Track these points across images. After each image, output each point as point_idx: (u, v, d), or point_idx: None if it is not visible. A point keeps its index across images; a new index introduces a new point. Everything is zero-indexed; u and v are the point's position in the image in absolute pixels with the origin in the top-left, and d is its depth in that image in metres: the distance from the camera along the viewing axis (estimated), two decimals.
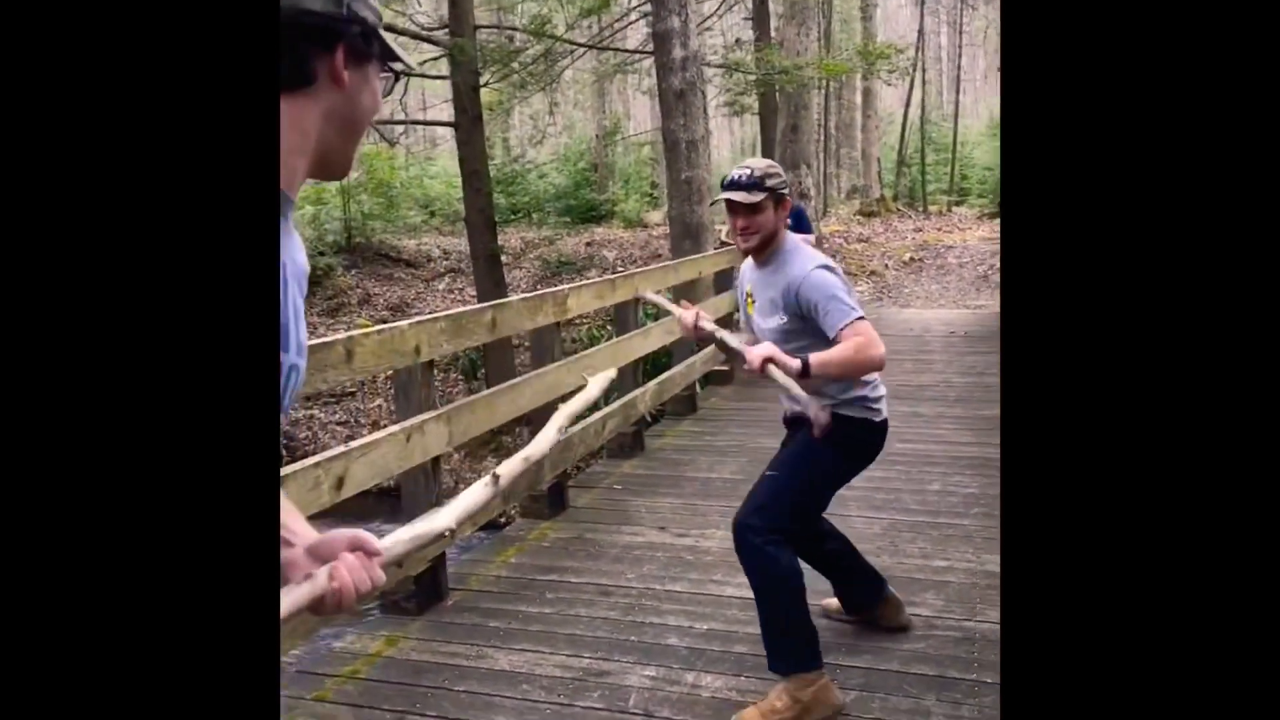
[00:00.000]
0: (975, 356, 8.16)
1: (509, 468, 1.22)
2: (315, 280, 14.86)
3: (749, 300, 2.72)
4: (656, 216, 18.79)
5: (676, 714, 2.61)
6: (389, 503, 6.74)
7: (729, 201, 2.56)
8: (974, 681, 2.71)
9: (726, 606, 3.29)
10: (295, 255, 1.02)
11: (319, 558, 1.04)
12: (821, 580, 2.98)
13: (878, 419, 2.65)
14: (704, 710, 2.62)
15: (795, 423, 2.77)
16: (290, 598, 0.97)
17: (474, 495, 1.15)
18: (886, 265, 14.41)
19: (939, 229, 17.63)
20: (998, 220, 18.26)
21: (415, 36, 9.89)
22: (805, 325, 2.51)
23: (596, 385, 1.44)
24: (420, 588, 3.28)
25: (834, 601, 3.11)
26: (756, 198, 2.54)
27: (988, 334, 9.35)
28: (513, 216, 17.64)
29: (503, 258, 11.56)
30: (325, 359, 2.70)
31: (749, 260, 2.71)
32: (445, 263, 16.76)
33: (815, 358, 2.36)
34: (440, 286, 15.84)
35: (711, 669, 2.84)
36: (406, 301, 14.81)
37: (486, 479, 1.16)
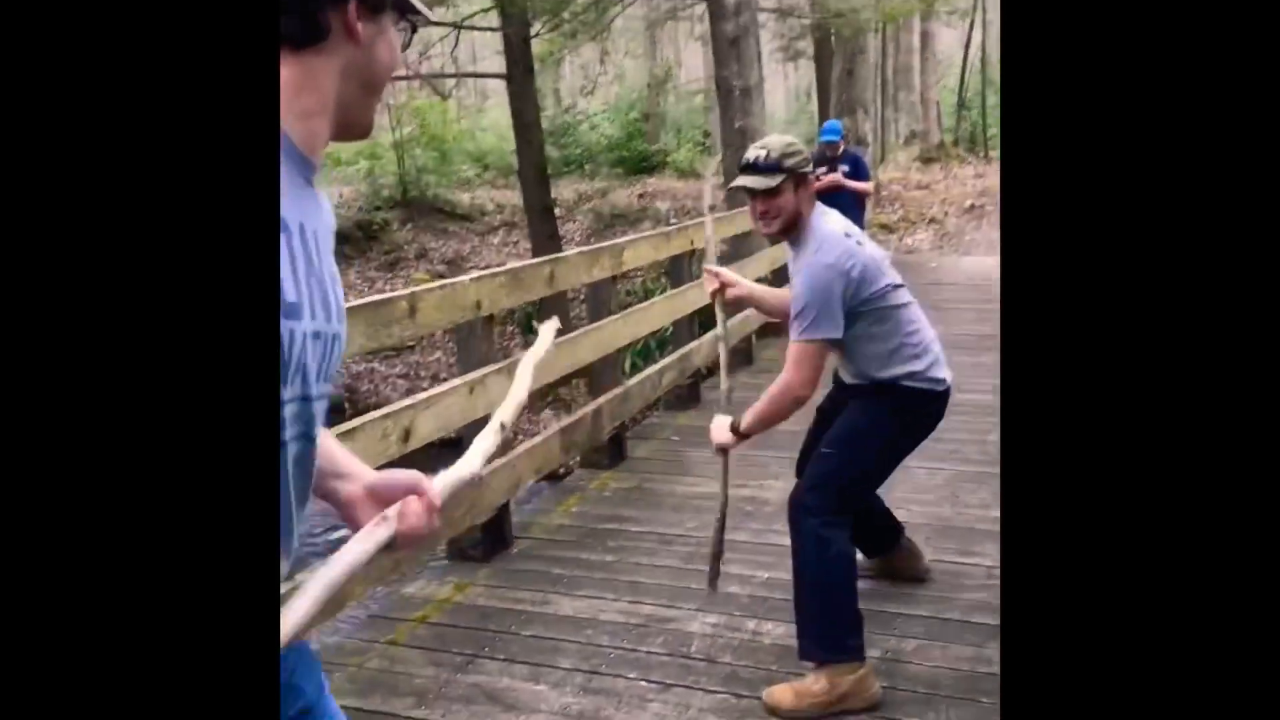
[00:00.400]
0: None
1: (507, 414, 1.28)
2: (371, 235, 15.06)
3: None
4: (711, 165, 18.59)
5: (738, 660, 2.66)
6: (451, 454, 6.89)
7: (746, 188, 2.43)
8: None
9: (787, 556, 3.29)
10: (325, 219, 1.01)
11: (378, 498, 1.07)
12: None
13: (940, 388, 2.54)
14: (765, 657, 2.67)
15: (849, 388, 2.66)
16: (372, 539, 1.00)
17: (485, 441, 1.20)
18: (947, 213, 14.12)
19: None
20: None
21: None
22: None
23: (546, 333, 1.45)
24: (487, 536, 3.37)
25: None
26: (774, 181, 2.39)
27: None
28: (565, 169, 17.59)
29: (556, 210, 11.57)
30: (390, 314, 2.75)
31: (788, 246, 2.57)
32: (500, 216, 16.83)
33: (747, 418, 2.54)
34: (495, 240, 15.93)
35: (773, 616, 2.88)
36: (462, 255, 14.94)
37: (493, 426, 1.23)
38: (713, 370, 6.19)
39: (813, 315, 2.37)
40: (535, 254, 10.34)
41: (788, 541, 3.39)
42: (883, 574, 3.07)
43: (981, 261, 11.09)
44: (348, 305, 2.31)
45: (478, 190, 18.42)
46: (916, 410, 2.54)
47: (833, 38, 12.69)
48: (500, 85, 21.01)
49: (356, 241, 14.67)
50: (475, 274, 3.26)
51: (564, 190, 16.54)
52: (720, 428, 2.59)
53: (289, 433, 0.95)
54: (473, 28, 10.96)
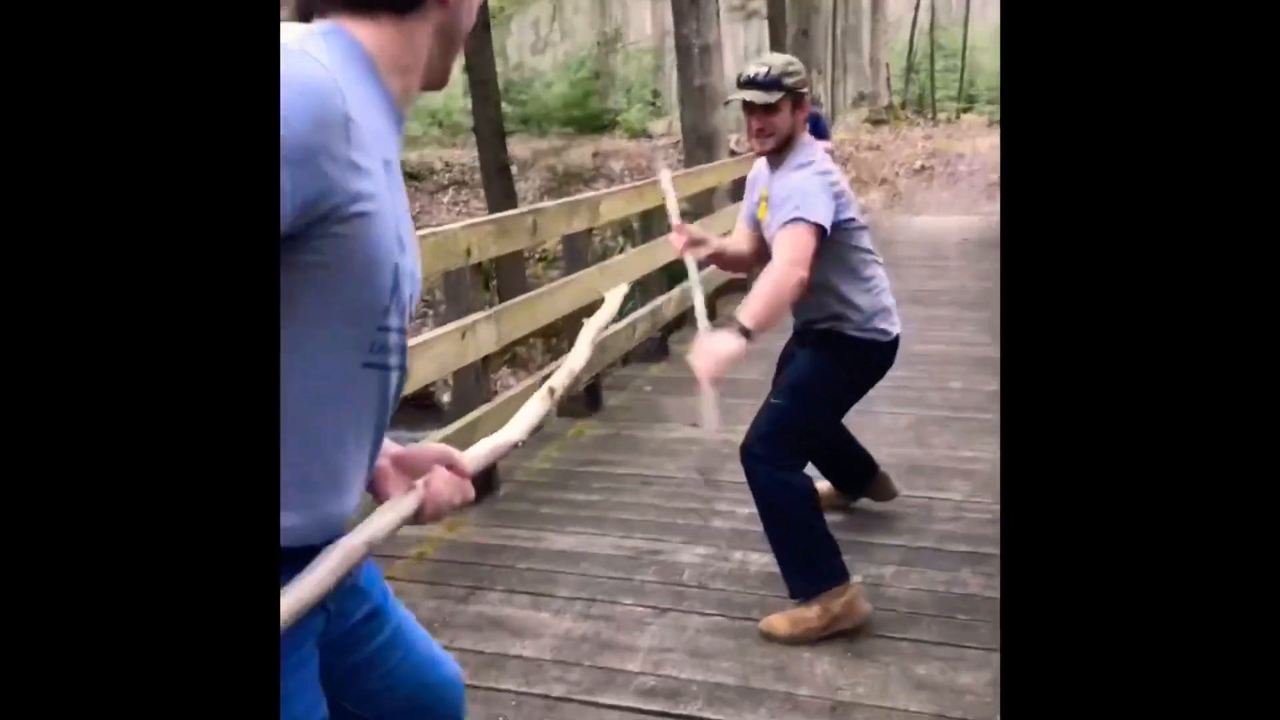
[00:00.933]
0: (988, 263, 8.24)
1: (559, 380, 1.30)
2: None
3: (762, 204, 2.61)
4: (660, 126, 18.57)
5: (729, 585, 2.79)
6: (429, 413, 6.93)
7: (744, 101, 2.47)
8: None
9: None
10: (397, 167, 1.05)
11: (407, 470, 1.11)
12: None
13: (886, 339, 2.61)
14: (754, 582, 2.80)
15: (801, 336, 2.76)
16: (397, 510, 1.03)
17: (534, 408, 1.23)
18: (897, 174, 14.35)
19: (948, 137, 17.46)
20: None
21: None
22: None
23: (614, 299, 1.49)
24: (474, 479, 3.44)
25: (822, 485, 3.00)
26: (774, 97, 2.44)
27: (998, 240, 9.42)
28: (521, 127, 17.45)
29: (511, 168, 11.51)
30: None
31: (763, 162, 2.64)
32: (449, 175, 16.67)
33: (748, 316, 2.29)
34: (445, 199, 15.80)
35: (758, 547, 3.00)
36: (412, 215, 14.78)
37: (542, 392, 1.25)
38: (681, 322, 6.31)
39: (799, 201, 2.36)
40: (490, 211, 10.30)
41: None
42: (861, 495, 3.22)
43: (932, 221, 11.35)
44: None
45: (425, 149, 18.17)
46: (863, 359, 2.61)
47: None
48: None
49: None
50: (465, 221, 3.30)
51: (517, 149, 16.43)
52: (720, 339, 2.27)
53: (394, 361, 1.02)
54: None
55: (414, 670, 1.24)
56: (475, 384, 3.47)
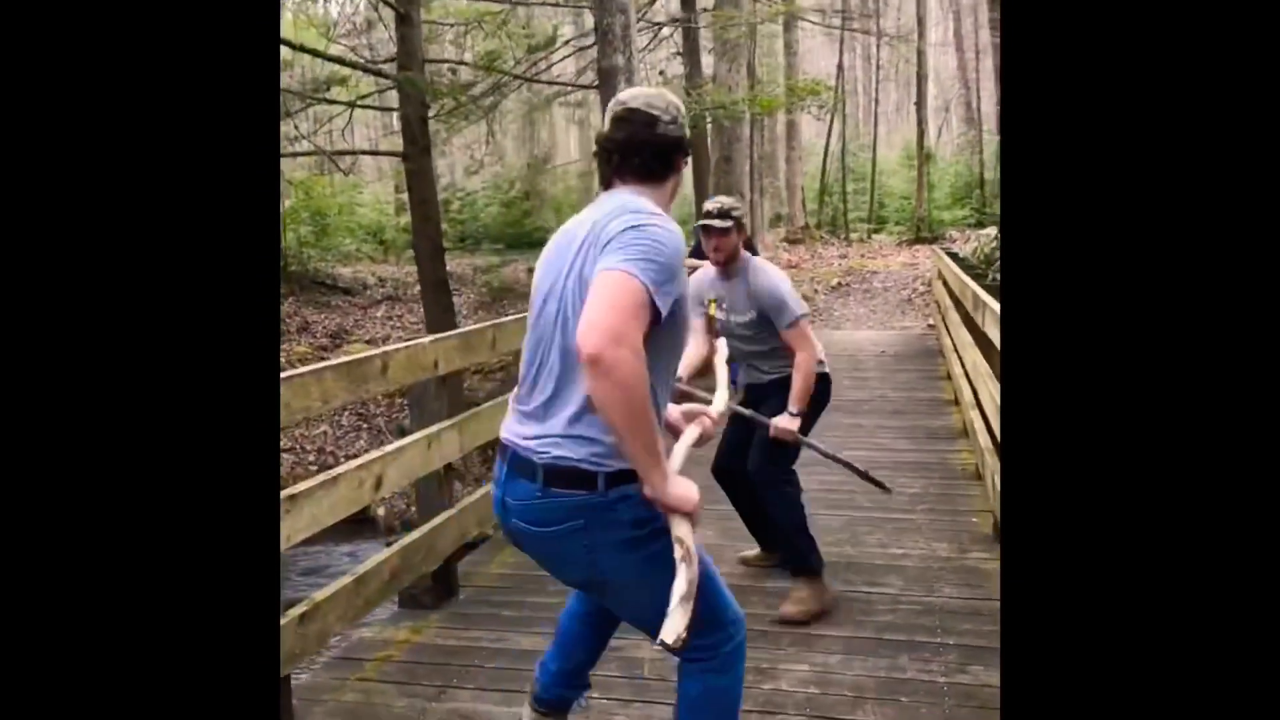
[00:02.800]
0: (905, 373, 8.73)
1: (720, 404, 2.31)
2: None
3: (711, 304, 3.47)
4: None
5: None
6: (365, 526, 6.96)
7: (707, 226, 3.36)
8: (939, 644, 3.13)
9: None
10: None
11: (689, 416, 2.08)
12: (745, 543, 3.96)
13: (823, 370, 3.52)
14: None
15: (762, 392, 3.57)
16: (693, 433, 2.02)
17: (722, 394, 2.35)
18: (816, 290, 15.07)
19: (862, 255, 18.44)
20: (916, 246, 19.18)
21: (365, 70, 10.15)
22: (765, 318, 3.37)
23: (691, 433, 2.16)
24: (435, 583, 3.57)
25: (750, 552, 3.92)
26: (727, 224, 3.36)
27: (914, 353, 9.98)
28: (458, 244, 17.86)
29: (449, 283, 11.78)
30: (367, 372, 3.00)
31: (707, 274, 3.51)
32: (382, 290, 16.87)
33: (794, 401, 3.36)
34: (378, 313, 15.93)
35: None
36: (345, 329, 14.87)
37: (723, 393, 2.36)
38: None
39: (793, 303, 3.34)
40: (429, 327, 10.50)
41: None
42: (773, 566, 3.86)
43: (850, 334, 11.92)
44: (326, 365, 2.71)
45: (358, 264, 18.40)
46: (818, 392, 3.49)
47: (709, 125, 13.56)
48: (376, 161, 21.10)
49: None
50: (433, 336, 3.53)
51: (452, 264, 16.75)
52: (779, 424, 3.35)
53: (669, 384, 1.90)
54: (370, 107, 11.22)
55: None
56: (438, 490, 3.64)
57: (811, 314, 14.36)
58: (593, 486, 1.70)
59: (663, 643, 1.55)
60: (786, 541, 3.48)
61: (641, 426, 1.59)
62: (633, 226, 1.66)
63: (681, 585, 1.59)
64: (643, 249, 1.62)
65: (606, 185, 1.85)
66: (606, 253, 1.64)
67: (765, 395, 3.54)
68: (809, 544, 3.45)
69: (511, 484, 1.77)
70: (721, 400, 2.26)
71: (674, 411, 2.08)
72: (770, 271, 3.42)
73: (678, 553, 1.63)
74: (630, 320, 1.55)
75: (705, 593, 1.75)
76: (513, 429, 1.81)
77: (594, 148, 1.91)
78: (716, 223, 3.35)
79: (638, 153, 1.80)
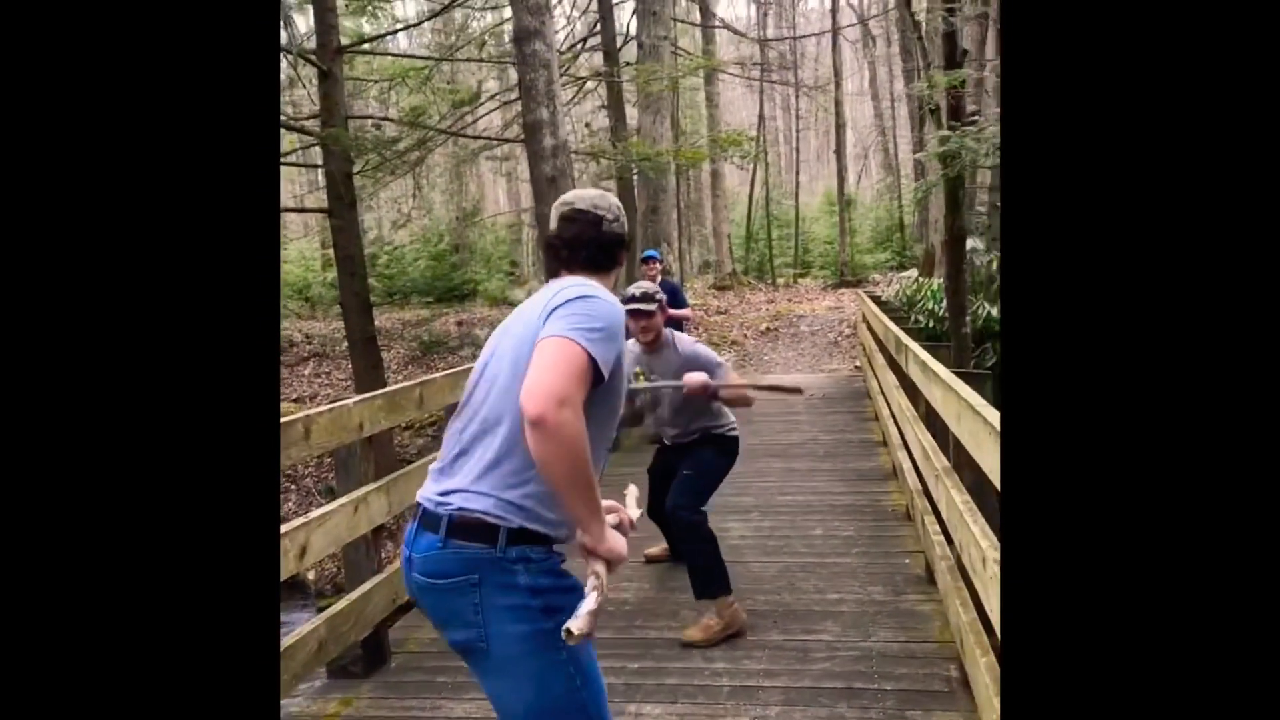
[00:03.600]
0: (835, 416, 8.85)
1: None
2: None
3: (639, 375, 4.11)
4: (520, 294, 19.16)
5: None
6: (295, 591, 6.73)
7: (636, 310, 3.81)
8: (876, 690, 3.14)
9: (653, 646, 3.62)
10: None
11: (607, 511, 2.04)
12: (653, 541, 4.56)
13: (735, 434, 4.11)
14: None
15: (682, 447, 4.10)
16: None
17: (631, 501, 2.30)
18: (745, 335, 15.26)
19: (789, 300, 18.76)
20: (841, 290, 19.59)
21: (287, 128, 10.05)
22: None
23: (632, 496, 2.35)
24: (366, 651, 3.46)
25: (655, 550, 4.63)
26: (652, 307, 3.88)
27: (844, 395, 10.13)
28: (388, 299, 17.68)
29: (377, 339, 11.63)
30: (287, 438, 2.92)
31: (633, 349, 4.00)
32: (309, 346, 16.57)
33: (723, 388, 3.86)
34: (305, 371, 15.63)
35: (650, 699, 3.16)
36: None
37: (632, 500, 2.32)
38: None
39: (709, 357, 3.93)
40: (357, 384, 10.34)
41: (651, 635, 3.74)
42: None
43: (780, 379, 12.08)
44: None
45: (285, 322, 18.07)
46: (731, 451, 4.09)
47: (635, 176, 13.75)
48: (297, 218, 20.85)
49: None
50: (356, 398, 3.46)
51: (381, 320, 16.56)
52: (691, 379, 3.80)
53: (608, 446, 1.96)
54: (294, 164, 11.11)
55: None
56: (366, 555, 3.54)
57: (740, 359, 14.51)
58: (493, 541, 1.72)
59: (566, 630, 1.61)
60: (697, 569, 3.72)
61: (582, 483, 1.66)
62: (575, 297, 1.79)
63: (591, 600, 1.67)
64: (584, 316, 1.74)
65: (554, 276, 1.99)
66: (550, 321, 1.75)
67: (691, 449, 4.06)
68: (721, 569, 3.72)
69: (418, 539, 1.80)
70: (635, 511, 2.26)
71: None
72: (690, 341, 4.03)
73: (591, 582, 1.72)
74: (572, 383, 1.64)
75: (582, 692, 1.76)
76: (426, 488, 1.86)
77: (543, 245, 2.08)
78: (643, 306, 3.85)
79: (585, 248, 1.99)
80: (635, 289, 3.90)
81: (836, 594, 4.09)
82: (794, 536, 4.96)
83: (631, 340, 3.88)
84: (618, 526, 1.96)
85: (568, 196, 2.07)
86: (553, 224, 2.06)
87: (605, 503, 2.00)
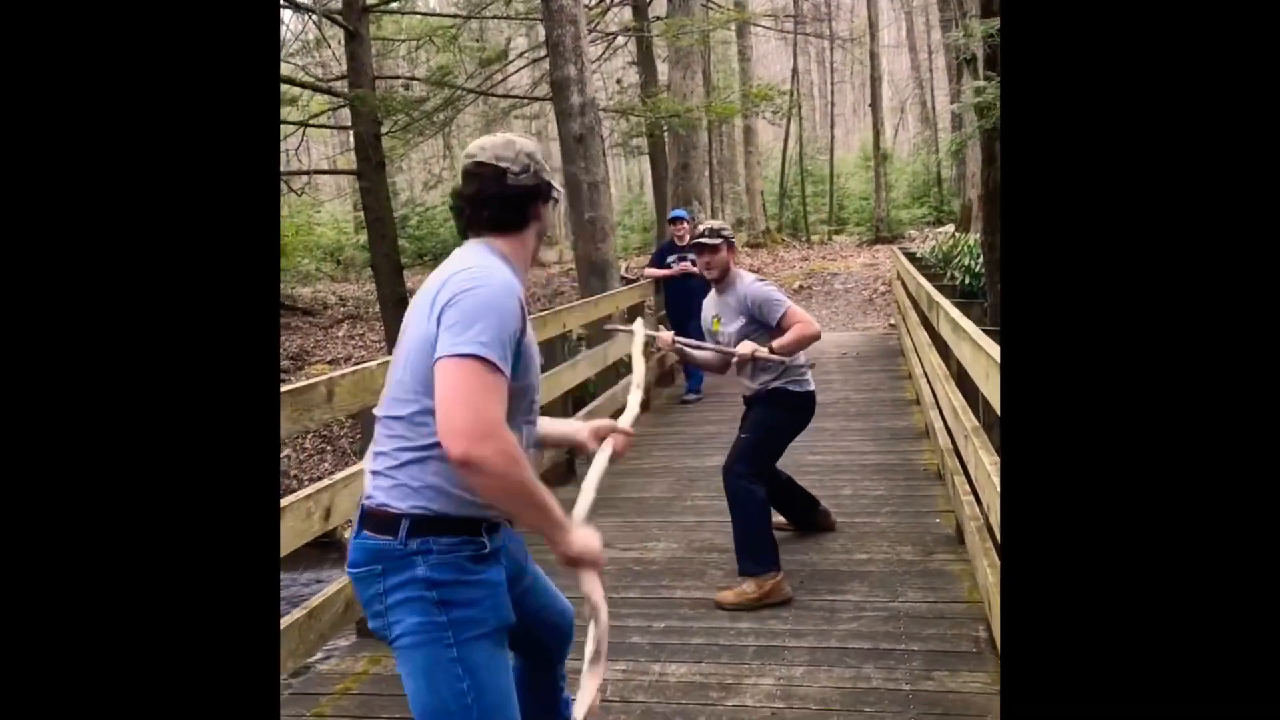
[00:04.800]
0: (868, 374, 8.77)
1: (639, 378, 2.45)
2: None
3: (715, 322, 3.90)
4: (550, 255, 19.15)
5: (650, 697, 2.92)
6: (329, 551, 6.87)
7: (700, 245, 3.80)
8: (903, 651, 3.12)
9: (678, 606, 3.62)
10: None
11: (598, 435, 2.07)
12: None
13: (807, 389, 3.85)
14: (674, 693, 2.94)
15: (751, 401, 3.88)
16: (605, 455, 2.00)
17: (635, 397, 2.37)
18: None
19: (823, 257, 18.55)
20: (877, 247, 19.31)
21: (315, 89, 10.03)
22: (757, 324, 3.70)
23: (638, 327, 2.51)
24: None
25: (779, 519, 4.21)
26: (716, 241, 3.80)
27: (877, 353, 10.03)
28: (417, 260, 17.73)
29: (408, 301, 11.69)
30: (310, 399, 2.93)
31: (711, 294, 3.94)
32: (343, 309, 16.70)
33: (776, 342, 3.64)
34: (340, 333, 15.76)
35: (674, 659, 3.16)
36: (306, 350, 14.68)
37: (636, 391, 2.40)
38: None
39: (779, 295, 3.73)
40: (389, 345, 10.42)
41: (677, 594, 3.74)
42: (809, 530, 4.32)
43: None
44: None
45: (318, 284, 18.22)
46: (798, 405, 3.83)
47: (665, 134, 13.58)
48: (331, 180, 20.92)
49: None
50: (380, 360, 3.46)
51: (413, 281, 16.64)
52: (741, 350, 3.67)
53: (533, 419, 1.86)
54: (322, 125, 11.10)
55: (551, 598, 2.07)
56: None
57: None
58: (394, 532, 1.66)
59: None
60: (739, 537, 3.63)
61: (529, 501, 1.61)
62: (458, 293, 1.65)
63: (590, 646, 1.55)
64: (470, 318, 1.61)
65: (464, 238, 1.84)
66: (440, 332, 1.62)
67: (752, 403, 3.88)
68: (764, 546, 3.58)
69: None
70: (633, 413, 2.27)
71: (584, 431, 2.09)
72: (752, 281, 3.80)
73: (586, 609, 1.62)
74: (484, 410, 1.55)
75: (471, 710, 1.64)
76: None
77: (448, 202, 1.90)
78: (707, 240, 3.81)
79: (486, 206, 1.79)
80: (704, 225, 3.84)
81: (865, 554, 4.06)
82: (822, 496, 4.88)
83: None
84: (612, 454, 2.03)
85: (470, 148, 1.85)
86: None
87: (595, 424, 2.09)
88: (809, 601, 3.56)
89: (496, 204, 1.79)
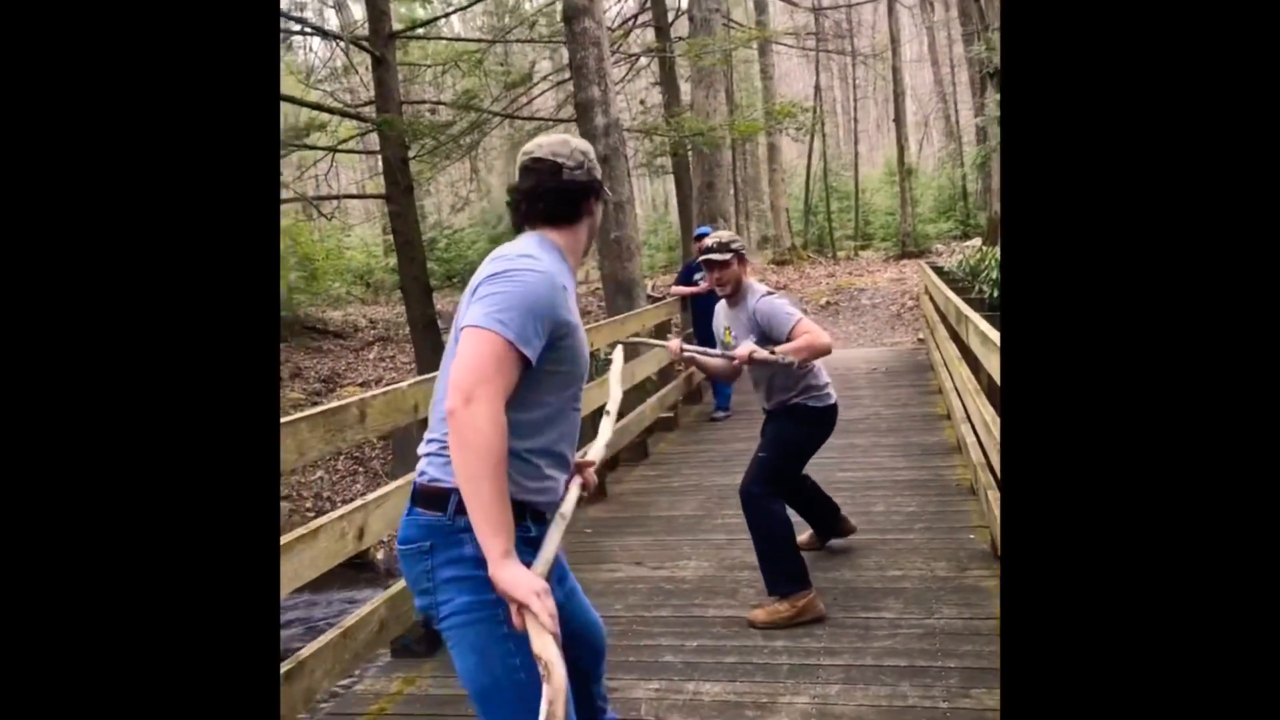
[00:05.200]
0: (898, 390, 8.70)
1: (613, 406, 2.39)
2: None
3: (727, 333, 3.83)
4: (578, 275, 19.21)
5: (685, 718, 2.90)
6: (365, 572, 6.91)
7: (709, 260, 3.68)
8: (940, 668, 3.08)
9: (711, 625, 3.60)
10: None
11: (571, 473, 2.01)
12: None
13: (827, 403, 3.75)
14: (709, 712, 2.92)
15: (770, 415, 3.82)
16: (574, 493, 1.90)
17: (607, 426, 2.27)
18: (806, 310, 15.07)
19: (850, 273, 18.48)
20: (903, 262, 19.22)
21: (344, 114, 10.17)
22: (768, 341, 3.56)
23: (618, 352, 2.48)
24: (428, 631, 3.50)
25: (804, 537, 4.20)
26: (726, 256, 3.69)
27: (907, 368, 9.95)
28: (448, 282, 17.88)
29: (438, 322, 11.78)
30: (343, 420, 2.96)
31: (721, 306, 3.85)
32: (373, 331, 16.86)
33: (780, 347, 3.49)
34: (370, 355, 15.90)
35: (708, 678, 3.14)
36: (338, 372, 14.83)
37: (611, 417, 2.33)
38: (616, 463, 6.47)
39: (785, 311, 3.58)
40: (420, 367, 10.48)
41: (709, 613, 3.72)
42: (832, 537, 4.33)
43: (841, 353, 11.90)
44: (300, 416, 2.70)
45: (349, 307, 18.40)
46: (817, 419, 3.74)
47: (690, 153, 13.62)
48: (360, 204, 21.14)
49: None
50: (411, 380, 3.49)
51: (442, 303, 16.75)
52: (745, 345, 3.51)
53: (579, 406, 1.87)
54: (351, 150, 11.26)
55: (584, 611, 2.07)
56: None
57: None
58: (444, 508, 1.71)
59: None
60: (764, 558, 3.57)
61: (481, 492, 1.59)
62: (496, 274, 1.71)
63: (543, 708, 1.46)
64: (504, 298, 1.67)
65: (519, 231, 1.92)
66: (473, 304, 1.70)
67: (771, 421, 3.82)
68: (791, 565, 3.54)
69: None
70: (600, 446, 2.24)
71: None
72: (762, 295, 3.68)
73: (540, 668, 1.53)
74: (484, 380, 1.61)
75: (527, 686, 1.64)
76: None
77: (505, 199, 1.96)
78: (715, 256, 3.69)
79: (542, 199, 1.86)
80: (711, 238, 3.74)
81: (899, 570, 4.02)
82: (854, 513, 4.87)
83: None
84: (581, 490, 1.95)
85: (528, 146, 1.93)
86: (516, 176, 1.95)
87: (582, 456, 2.04)
88: (843, 619, 3.53)
89: (553, 197, 1.86)
